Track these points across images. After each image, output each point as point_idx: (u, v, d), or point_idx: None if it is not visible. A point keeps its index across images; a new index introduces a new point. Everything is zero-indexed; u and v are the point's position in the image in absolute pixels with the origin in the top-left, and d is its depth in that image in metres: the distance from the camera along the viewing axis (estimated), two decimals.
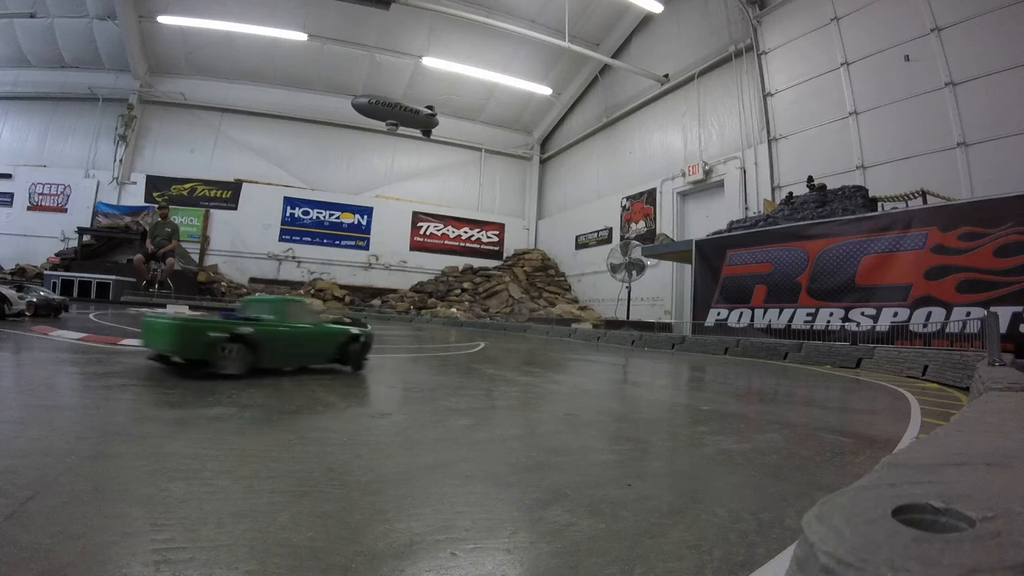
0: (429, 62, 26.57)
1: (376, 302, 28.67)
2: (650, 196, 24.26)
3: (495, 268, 31.79)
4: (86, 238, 24.54)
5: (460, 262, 31.19)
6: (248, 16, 24.26)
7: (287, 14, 24.51)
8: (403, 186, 30.79)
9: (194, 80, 27.50)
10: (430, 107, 24.18)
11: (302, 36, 25.46)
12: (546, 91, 29.19)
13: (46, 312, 10.41)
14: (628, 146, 26.52)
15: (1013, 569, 0.63)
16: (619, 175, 26.89)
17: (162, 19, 24.47)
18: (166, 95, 27.23)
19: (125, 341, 7.26)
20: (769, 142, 19.02)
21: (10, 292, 9.38)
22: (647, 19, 24.60)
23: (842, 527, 0.77)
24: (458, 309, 28.29)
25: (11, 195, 25.96)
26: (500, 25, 22.65)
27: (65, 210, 25.89)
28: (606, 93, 28.01)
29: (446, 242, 31.38)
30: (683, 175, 22.34)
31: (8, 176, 26.07)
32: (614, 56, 25.90)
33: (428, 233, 31.09)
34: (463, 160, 32.16)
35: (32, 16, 23.92)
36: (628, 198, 25.75)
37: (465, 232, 31.80)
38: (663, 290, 22.32)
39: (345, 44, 26.67)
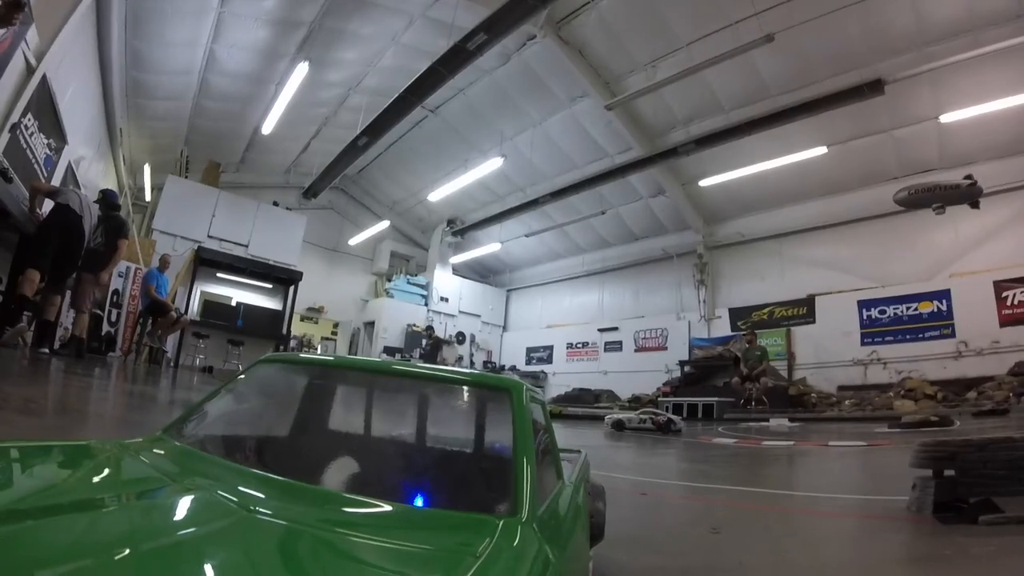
0: (947, 117, 21.62)
1: (971, 394, 22.87)
2: None
3: None
4: (686, 368, 29.31)
5: None
6: (768, 154, 25.98)
7: (801, 138, 25.16)
8: (975, 256, 24.12)
9: (744, 218, 30.38)
10: (969, 176, 19.64)
11: (822, 149, 25.51)
12: None
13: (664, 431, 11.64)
14: None
15: None
16: None
17: (703, 183, 28.85)
18: (726, 238, 31.14)
19: (766, 443, 8.45)
20: None
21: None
22: None
23: None
24: None
25: (620, 342, 34.25)
26: (989, 49, 16.47)
27: (665, 348, 31.89)
28: None
29: None
30: None
31: (615, 329, 34.63)
32: None
33: (1017, 302, 23.19)
34: None
35: (602, 214, 31.52)
36: None
37: None
38: None
39: (862, 137, 25.12)
